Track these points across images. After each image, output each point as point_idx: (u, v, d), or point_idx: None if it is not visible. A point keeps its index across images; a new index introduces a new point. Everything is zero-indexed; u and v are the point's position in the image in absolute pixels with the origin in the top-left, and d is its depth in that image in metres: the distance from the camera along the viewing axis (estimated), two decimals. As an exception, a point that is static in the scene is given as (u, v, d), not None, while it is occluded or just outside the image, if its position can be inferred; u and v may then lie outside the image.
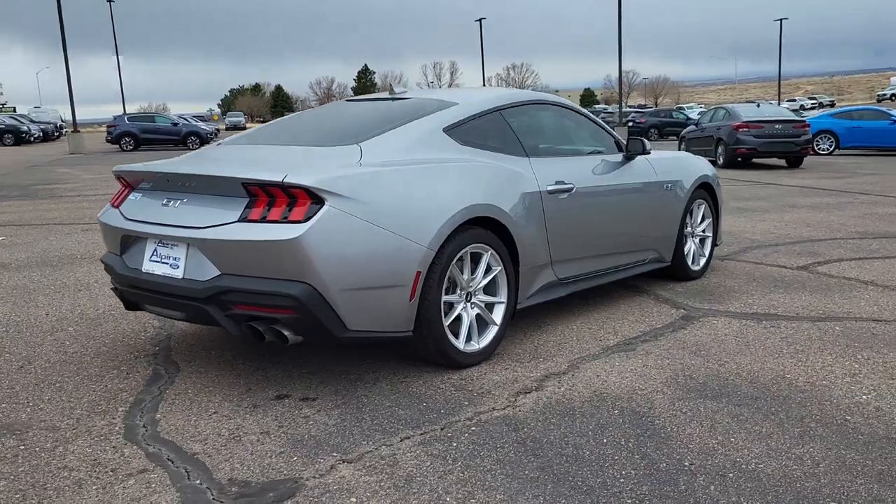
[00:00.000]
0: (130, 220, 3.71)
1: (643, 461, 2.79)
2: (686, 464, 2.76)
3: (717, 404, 3.32)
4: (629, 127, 35.76)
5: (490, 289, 4.00)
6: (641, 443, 2.94)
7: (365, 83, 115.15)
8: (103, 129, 41.04)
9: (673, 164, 5.51)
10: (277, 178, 3.25)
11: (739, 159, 17.56)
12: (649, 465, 2.76)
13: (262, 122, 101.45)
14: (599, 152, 5.00)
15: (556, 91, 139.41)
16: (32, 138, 41.84)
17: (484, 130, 4.22)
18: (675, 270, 5.66)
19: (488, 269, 3.94)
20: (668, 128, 35.27)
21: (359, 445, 2.94)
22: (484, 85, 57.94)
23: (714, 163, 18.32)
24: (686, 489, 2.58)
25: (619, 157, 5.04)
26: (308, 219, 3.22)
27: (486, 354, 3.92)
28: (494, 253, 3.91)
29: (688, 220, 5.71)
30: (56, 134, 48.22)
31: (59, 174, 19.19)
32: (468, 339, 3.85)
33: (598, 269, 4.83)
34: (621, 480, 2.65)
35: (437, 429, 3.10)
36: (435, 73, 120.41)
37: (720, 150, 18.08)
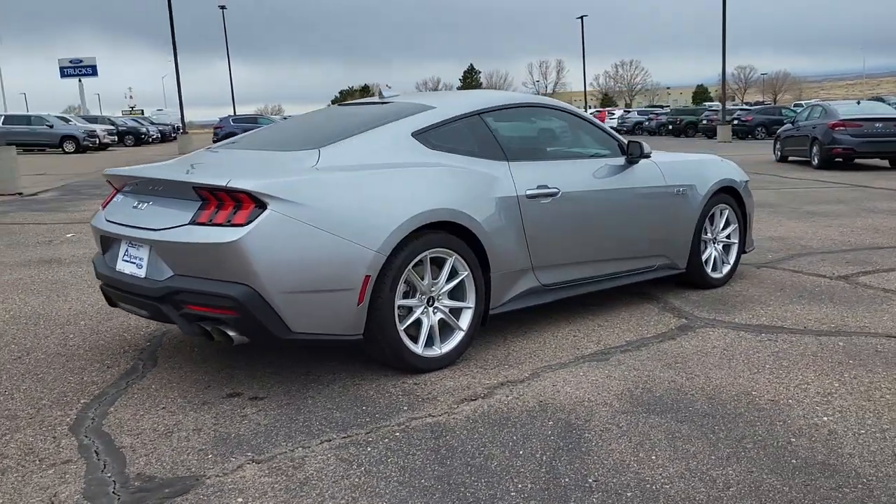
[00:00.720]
0: (108, 221, 3.90)
1: (547, 475, 2.72)
2: (590, 480, 2.68)
3: (660, 419, 3.20)
4: (733, 126, 34.45)
5: (457, 293, 3.97)
6: (556, 456, 2.87)
7: (470, 83, 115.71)
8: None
9: (687, 168, 5.31)
10: (222, 182, 3.35)
11: (838, 160, 16.60)
12: (551, 479, 2.69)
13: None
14: (599, 155, 4.88)
15: (668, 89, 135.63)
16: (151, 139, 44.23)
17: (459, 134, 4.20)
18: (692, 278, 5.45)
19: (454, 274, 3.92)
20: (777, 126, 33.72)
21: (277, 446, 3.00)
22: (585, 84, 57.16)
23: (808, 164, 17.45)
24: (573, 507, 2.51)
25: (620, 160, 4.90)
26: (250, 222, 3.30)
27: (449, 359, 3.91)
28: (459, 258, 3.89)
29: (707, 226, 5.48)
30: (173, 135, 50.76)
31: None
32: (429, 344, 3.84)
33: (593, 275, 4.71)
34: (513, 493, 2.60)
35: (362, 433, 3.12)
36: (541, 72, 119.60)
37: (815, 150, 17.18)
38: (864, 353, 4.02)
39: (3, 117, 36.61)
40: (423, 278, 3.80)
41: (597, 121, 5.01)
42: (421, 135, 4.05)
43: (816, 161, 17.05)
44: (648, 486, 2.64)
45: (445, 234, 3.82)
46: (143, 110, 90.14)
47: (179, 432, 3.16)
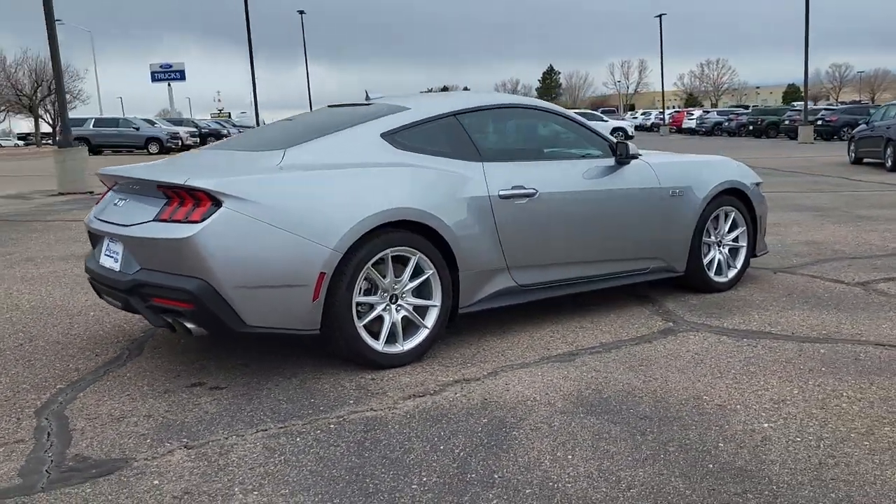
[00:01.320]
0: (94, 218, 4.13)
1: (457, 470, 2.77)
2: (495, 477, 2.71)
3: (595, 420, 3.20)
4: (817, 126, 33.23)
5: (423, 291, 4.04)
6: (474, 453, 2.91)
7: (550, 84, 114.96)
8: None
9: (684, 170, 5.23)
10: (180, 180, 3.52)
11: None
12: (458, 474, 2.74)
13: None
14: (586, 157, 4.86)
15: (757, 88, 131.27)
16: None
17: (431, 135, 4.26)
18: (692, 281, 5.36)
19: (420, 272, 3.99)
20: (862, 127, 32.32)
21: (213, 434, 3.14)
22: (663, 83, 56.04)
23: (882, 166, 16.73)
24: (468, 501, 2.55)
25: (608, 161, 4.86)
26: (205, 219, 3.46)
27: (413, 356, 3.97)
28: (424, 256, 3.95)
29: (710, 228, 5.38)
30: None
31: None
32: (392, 340, 3.92)
33: (577, 276, 4.69)
34: (414, 486, 2.65)
35: (300, 424, 3.23)
36: (622, 72, 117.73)
37: (888, 151, 16.46)
38: (842, 361, 3.89)
39: (94, 120, 38.41)
40: (385, 276, 3.88)
41: (586, 122, 4.98)
42: (390, 136, 4.13)
43: (890, 163, 16.35)
44: (551, 484, 2.65)
45: (408, 232, 3.89)
46: (229, 113, 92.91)
47: (131, 418, 3.33)
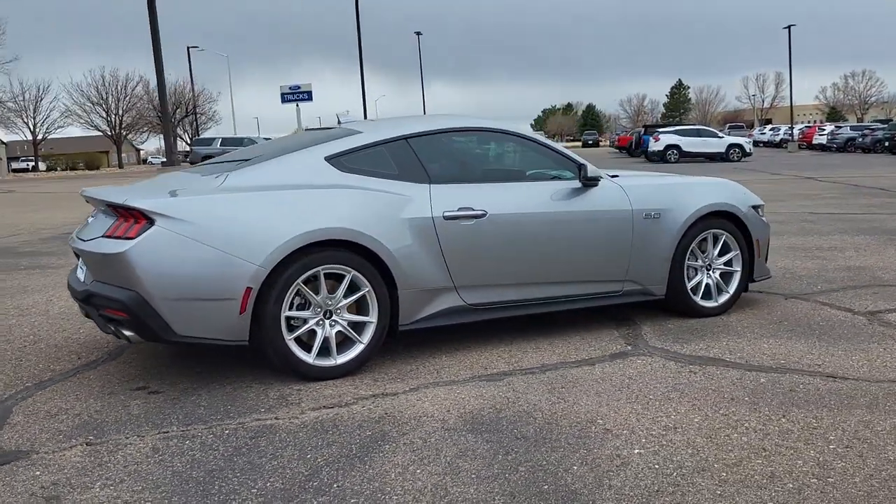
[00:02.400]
0: (75, 236, 4.56)
1: (304, 478, 2.93)
2: (334, 486, 2.86)
3: (472, 439, 3.27)
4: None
5: (361, 308, 4.21)
6: (333, 463, 3.06)
7: (678, 99, 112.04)
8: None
9: (661, 192, 5.15)
10: (121, 200, 3.87)
11: None
12: (302, 482, 2.89)
13: (571, 140, 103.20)
14: (553, 178, 4.89)
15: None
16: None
17: (379, 158, 4.44)
18: (675, 306, 5.27)
19: (356, 289, 4.17)
20: None
21: (118, 433, 3.43)
22: (791, 98, 53.52)
23: None
24: (290, 507, 2.70)
25: (573, 183, 4.87)
26: (138, 236, 3.79)
27: (347, 369, 4.15)
28: (359, 274, 4.13)
29: (696, 251, 5.27)
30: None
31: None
32: (325, 354, 4.11)
33: (535, 297, 4.73)
34: (252, 491, 2.83)
35: (201, 427, 3.47)
36: (758, 85, 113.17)
37: None
38: (773, 392, 3.77)
39: (220, 139, 40.74)
40: (317, 293, 4.08)
41: (553, 144, 5.02)
42: (335, 159, 4.34)
43: None
44: (379, 495, 2.76)
45: (341, 251, 4.08)
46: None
47: (62, 415, 3.68)
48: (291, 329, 4.04)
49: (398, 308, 4.28)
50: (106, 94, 53.72)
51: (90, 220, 4.38)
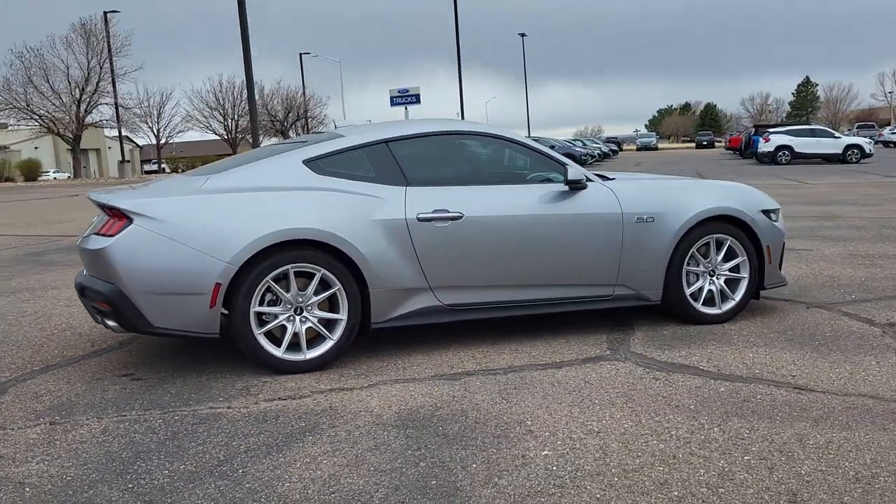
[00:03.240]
0: (81, 236, 4.93)
1: (215, 463, 3.11)
2: (238, 472, 3.03)
3: (396, 434, 3.37)
4: None
5: (333, 305, 4.38)
6: (251, 450, 3.23)
7: (805, 97, 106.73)
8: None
9: (656, 195, 5.07)
10: (106, 201, 4.19)
11: None
12: (209, 467, 3.08)
13: (686, 141, 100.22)
14: (540, 181, 4.91)
15: None
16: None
17: (357, 162, 4.60)
18: (674, 311, 5.18)
19: (327, 287, 4.34)
20: None
21: (83, 415, 3.73)
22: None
23: None
24: (182, 489, 2.89)
25: (559, 186, 4.87)
26: (118, 234, 4.10)
27: (316, 364, 4.33)
28: (329, 273, 4.30)
29: (697, 256, 5.15)
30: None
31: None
32: (295, 348, 4.31)
33: (517, 300, 4.76)
34: (152, 471, 3.04)
35: (157, 413, 3.73)
36: (894, 82, 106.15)
37: None
38: (727, 401, 3.69)
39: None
40: (288, 290, 4.28)
41: (540, 147, 5.02)
42: (312, 162, 4.53)
43: None
44: (274, 482, 2.92)
45: (311, 250, 4.26)
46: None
47: (46, 396, 4.02)
48: (262, 324, 4.25)
49: (370, 306, 4.42)
50: (223, 99, 56.68)
51: (94, 220, 4.74)
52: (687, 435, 3.28)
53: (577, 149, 36.82)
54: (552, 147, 35.18)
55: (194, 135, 61.59)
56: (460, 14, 37.04)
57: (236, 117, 57.15)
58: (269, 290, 4.25)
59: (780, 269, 5.46)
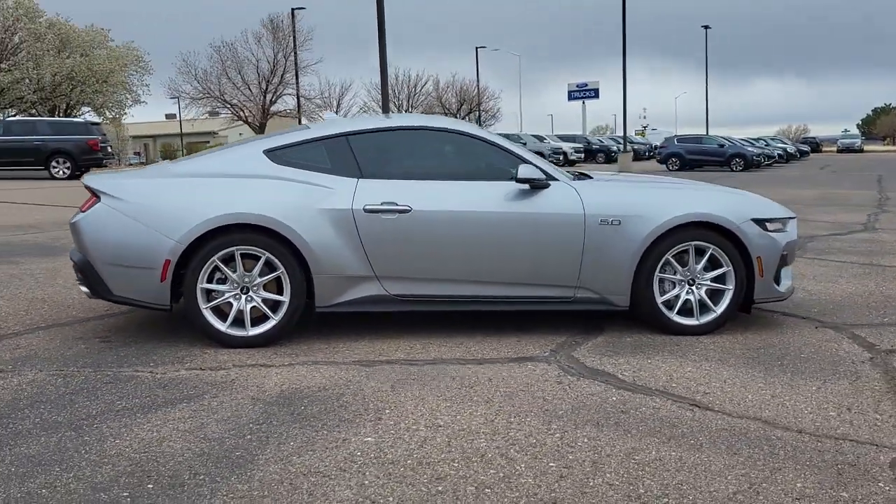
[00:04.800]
0: None
1: (82, 416, 3.49)
2: (93, 426, 3.39)
3: (254, 409, 3.59)
4: None
5: (278, 287, 4.67)
6: (122, 409, 3.58)
7: None
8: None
9: (627, 198, 4.91)
10: (84, 181, 4.72)
11: None
12: (76, 419, 3.46)
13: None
14: (507, 178, 4.89)
15: None
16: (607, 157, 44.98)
17: (315, 153, 4.84)
18: (645, 319, 5.02)
19: (273, 269, 4.63)
20: None
21: (33, 368, 4.23)
22: None
23: None
24: (31, 440, 3.29)
25: (520, 185, 4.85)
26: (87, 210, 4.62)
27: (260, 341, 4.62)
28: (273, 257, 4.59)
29: (674, 263, 4.95)
30: (649, 154, 51.65)
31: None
32: (240, 325, 4.64)
33: (470, 295, 4.81)
34: (34, 419, 3.46)
35: (87, 371, 4.18)
36: None
37: None
38: (604, 411, 3.60)
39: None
40: (235, 270, 4.61)
41: (507, 145, 5.00)
42: (272, 152, 4.83)
43: None
44: (106, 437, 3.24)
45: (256, 234, 4.56)
46: (645, 129, 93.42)
47: (21, 350, 4.60)
48: (211, 300, 4.60)
49: (315, 291, 4.65)
50: (398, 91, 58.73)
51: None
52: (522, 437, 3.25)
53: (750, 149, 34.79)
54: (721, 145, 33.53)
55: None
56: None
57: (409, 108, 59.08)
58: (217, 268, 4.59)
59: (776, 282, 5.10)
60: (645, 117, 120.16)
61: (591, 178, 5.19)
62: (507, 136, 42.16)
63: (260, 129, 47.28)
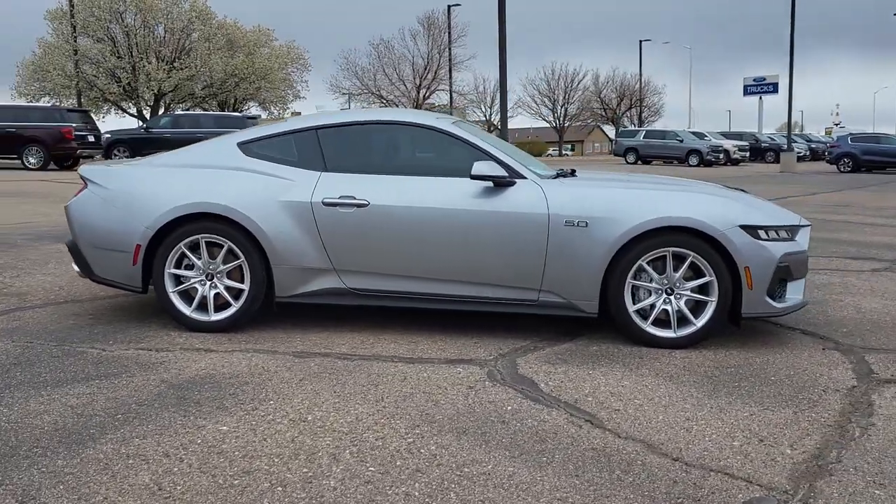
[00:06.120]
0: None
1: (4, 384, 3.80)
2: (6, 392, 3.68)
3: (151, 388, 3.76)
4: None
5: (241, 276, 4.83)
6: (43, 381, 3.85)
7: None
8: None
9: (596, 199, 4.63)
10: (79, 170, 5.11)
11: None
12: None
13: None
14: (467, 175, 4.79)
15: None
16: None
17: (284, 146, 4.94)
18: (619, 329, 4.76)
19: (237, 258, 4.80)
20: None
21: (10, 339, 4.64)
22: None
23: None
24: (-48, 399, 3.61)
25: (484, 182, 4.72)
26: (77, 195, 4.99)
27: (220, 326, 4.81)
28: (234, 246, 4.76)
29: (649, 270, 4.64)
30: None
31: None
32: (203, 309, 4.85)
33: (427, 292, 4.75)
34: (-36, 385, 3.80)
35: (51, 345, 4.52)
36: None
37: None
38: (474, 416, 3.47)
39: (644, 132, 41.07)
40: (200, 257, 4.82)
41: (476, 142, 4.84)
42: (245, 145, 4.98)
43: None
44: (10, 402, 3.51)
45: (218, 223, 4.73)
46: (841, 126, 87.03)
47: (16, 322, 5.04)
48: (179, 284, 4.84)
49: (274, 281, 4.77)
50: (554, 86, 58.12)
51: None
52: (371, 439, 3.20)
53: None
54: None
55: (523, 121, 63.98)
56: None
57: (566, 104, 58.37)
58: (184, 255, 4.80)
59: (769, 296, 4.64)
60: (838, 114, 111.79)
61: (574, 176, 4.95)
62: (655, 132, 40.69)
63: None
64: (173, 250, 4.77)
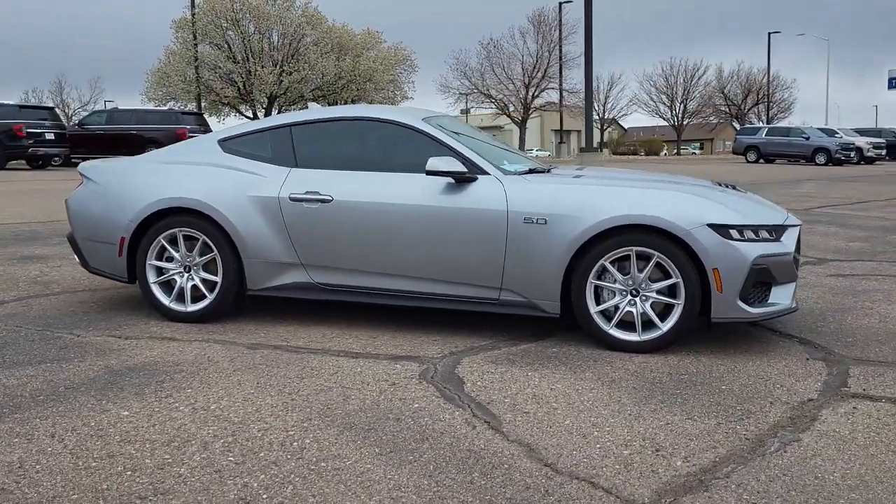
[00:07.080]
0: None
1: (-35, 366, 4.11)
2: (-43, 374, 3.98)
3: (101, 374, 3.96)
4: None
5: (215, 268, 5.00)
6: (8, 363, 4.15)
7: None
8: None
9: (556, 196, 4.46)
10: (78, 167, 5.44)
11: None
12: (-42, 367, 4.08)
13: None
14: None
15: None
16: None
17: (259, 143, 5.07)
18: (584, 331, 4.61)
19: (210, 251, 4.98)
20: None
21: (6, 324, 5.01)
22: None
23: None
24: (-88, 376, 3.94)
25: (446, 178, 4.68)
26: (76, 190, 5.32)
27: (196, 316, 5.00)
28: (207, 239, 4.94)
29: (612, 270, 4.47)
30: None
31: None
32: (181, 300, 5.05)
33: (391, 289, 4.75)
34: (-68, 364, 4.13)
35: (35, 330, 4.84)
36: None
37: None
38: (380, 419, 3.45)
39: (767, 129, 39.11)
40: (178, 250, 5.02)
41: (439, 136, 4.79)
42: (224, 142, 5.15)
43: None
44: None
45: (192, 217, 4.92)
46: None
47: (24, 307, 5.42)
48: (160, 275, 5.06)
49: (245, 274, 4.91)
50: (673, 81, 56.09)
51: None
52: (255, 431, 3.24)
53: None
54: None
55: (640, 118, 62.16)
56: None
57: (685, 101, 56.29)
58: (164, 247, 5.02)
59: (743, 300, 4.35)
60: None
61: (548, 172, 4.82)
62: (779, 129, 38.43)
63: (521, 124, 48.19)
64: (153, 243, 4.98)
